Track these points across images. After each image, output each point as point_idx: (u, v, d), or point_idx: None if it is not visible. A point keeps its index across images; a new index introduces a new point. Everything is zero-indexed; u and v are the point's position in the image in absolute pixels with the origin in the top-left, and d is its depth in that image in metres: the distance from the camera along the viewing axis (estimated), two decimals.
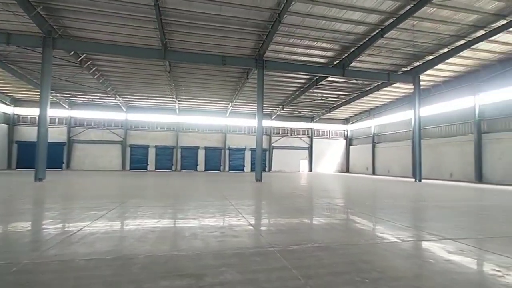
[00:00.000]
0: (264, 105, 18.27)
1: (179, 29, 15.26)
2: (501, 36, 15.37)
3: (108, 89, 24.79)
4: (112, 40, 16.26)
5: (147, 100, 29.63)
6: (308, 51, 17.85)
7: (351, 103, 29.24)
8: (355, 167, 36.77)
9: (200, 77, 22.41)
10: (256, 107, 18.71)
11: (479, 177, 20.12)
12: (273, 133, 35.96)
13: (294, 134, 36.83)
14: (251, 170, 33.01)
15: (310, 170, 36.73)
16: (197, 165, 33.11)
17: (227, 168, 33.91)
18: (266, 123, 34.19)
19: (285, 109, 31.53)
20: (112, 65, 20.47)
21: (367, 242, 4.19)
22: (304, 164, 36.98)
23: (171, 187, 12.75)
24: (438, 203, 8.84)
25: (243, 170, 34.37)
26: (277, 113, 33.48)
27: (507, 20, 13.93)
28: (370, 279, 2.77)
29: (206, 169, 33.12)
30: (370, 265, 3.16)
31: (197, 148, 33.28)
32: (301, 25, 14.86)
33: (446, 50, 17.39)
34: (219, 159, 33.89)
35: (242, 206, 7.17)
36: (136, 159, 31.99)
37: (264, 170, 34.40)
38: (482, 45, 16.34)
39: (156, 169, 32.08)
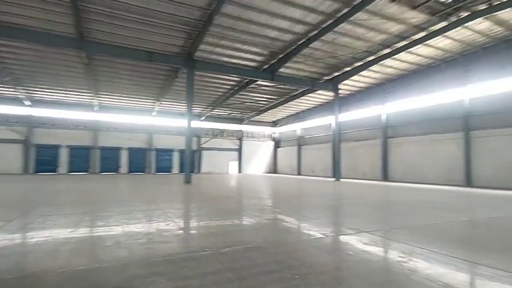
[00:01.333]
0: (193, 106, 17.83)
1: (99, 18, 13.79)
2: (402, 55, 18.10)
3: (6, 79, 20.93)
4: (16, 22, 13.80)
5: (59, 95, 25.97)
6: (239, 54, 18.10)
7: (279, 107, 30.72)
8: (282, 168, 38.69)
9: (124, 72, 20.67)
10: (185, 107, 18.12)
11: (385, 176, 23.25)
12: (203, 134, 35.41)
13: (224, 135, 36.90)
14: (180, 172, 31.87)
15: (240, 172, 37.29)
16: (119, 167, 30.42)
17: (153, 170, 32.04)
18: (196, 123, 33.45)
19: (215, 110, 31.35)
20: (14, 51, 17.36)
21: (295, 240, 4.40)
22: (233, 166, 37.33)
23: (89, 191, 11.39)
24: (354, 200, 9.86)
25: (171, 172, 32.95)
26: (207, 114, 33.09)
27: (407, 41, 16.45)
28: (300, 275, 2.89)
29: (130, 171, 30.68)
30: (300, 261, 3.31)
31: (119, 148, 30.59)
32: (233, 27, 14.98)
33: (360, 63, 19.65)
34: (144, 160, 31.78)
35: (171, 210, 6.81)
36: (43, 160, 27.68)
37: (193, 172, 33.56)
38: (388, 61, 18.97)
39: (69, 171, 28.32)
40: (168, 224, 5.24)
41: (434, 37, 15.42)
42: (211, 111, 31.35)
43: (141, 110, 31.21)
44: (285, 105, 29.89)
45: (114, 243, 3.94)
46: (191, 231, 4.97)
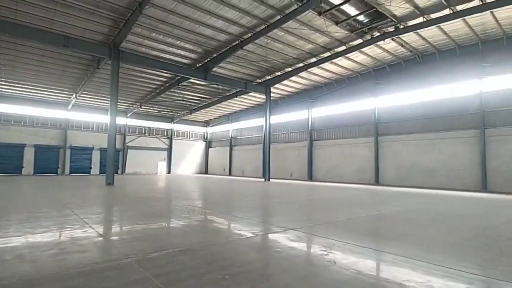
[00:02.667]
0: (119, 101, 16.40)
1: None
2: (327, 65, 19.79)
3: None
4: None
5: None
6: (171, 49, 17.36)
7: (212, 107, 30.48)
8: (213, 168, 38.43)
9: (32, 57, 17.83)
10: (108, 102, 16.56)
11: (310, 177, 25.05)
12: (129, 132, 32.89)
13: (152, 134, 34.91)
14: (101, 173, 28.96)
15: (169, 172, 35.75)
16: (23, 167, 26.12)
17: (68, 171, 28.38)
18: (121, 120, 30.90)
19: (143, 107, 29.43)
20: None
21: (226, 240, 4.40)
22: (162, 166, 35.60)
23: None
24: (282, 200, 10.36)
25: (89, 172, 29.68)
26: (134, 111, 30.85)
27: (331, 52, 18.05)
28: (230, 275, 2.90)
29: (36, 172, 26.57)
30: (230, 261, 3.33)
31: (23, 146, 26.25)
32: (165, 21, 14.30)
33: (290, 69, 20.80)
34: (56, 160, 27.92)
35: (89, 215, 6.13)
36: None
37: (117, 173, 30.88)
38: (314, 69, 20.52)
39: None
40: (85, 231, 4.70)
41: (353, 51, 17.27)
42: (139, 107, 29.30)
43: (54, 103, 27.40)
44: (218, 105, 29.80)
45: (15, 257, 3.36)
46: (113, 237, 4.55)
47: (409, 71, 19.32)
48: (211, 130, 39.83)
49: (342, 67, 20.48)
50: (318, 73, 21.67)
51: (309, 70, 20.11)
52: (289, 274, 2.99)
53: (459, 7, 12.85)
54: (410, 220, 6.28)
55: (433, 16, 13.73)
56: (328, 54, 18.21)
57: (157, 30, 15.12)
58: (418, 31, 14.94)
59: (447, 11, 13.22)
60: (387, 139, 20.18)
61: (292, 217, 6.60)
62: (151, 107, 30.46)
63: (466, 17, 13.37)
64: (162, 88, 24.05)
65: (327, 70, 21.08)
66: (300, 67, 20.09)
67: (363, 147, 21.65)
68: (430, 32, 15.54)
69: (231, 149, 35.74)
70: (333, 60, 18.69)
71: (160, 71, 19.99)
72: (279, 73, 21.80)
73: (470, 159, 16.46)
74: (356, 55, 18.52)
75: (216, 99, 28.12)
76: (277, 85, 23.46)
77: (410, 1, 12.92)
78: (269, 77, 22.62)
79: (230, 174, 35.18)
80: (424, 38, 16.19)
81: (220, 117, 36.93)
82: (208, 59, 18.87)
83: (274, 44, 17.15)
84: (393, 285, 2.73)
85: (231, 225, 5.66)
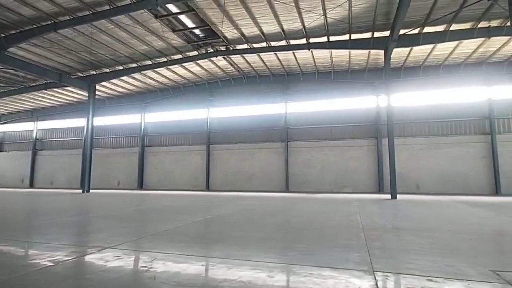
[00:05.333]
0: None
1: None
2: (163, 70, 19.36)
3: None
4: None
5: None
6: None
7: (5, 97, 23.23)
8: (4, 179, 29.17)
9: None
10: None
11: (141, 185, 23.44)
12: None
13: None
14: None
15: None
16: None
17: None
18: None
19: None
20: None
21: (6, 278, 3.26)
22: None
23: None
24: (103, 213, 9.04)
25: None
26: None
27: (167, 58, 17.80)
28: None
29: None
30: None
31: None
32: None
33: (121, 68, 18.92)
34: None
35: None
36: None
37: None
38: (150, 72, 19.60)
39: None
40: None
41: (189, 61, 17.80)
42: None
43: None
44: (15, 96, 23.02)
45: None
46: None
47: (237, 88, 21.90)
48: (2, 128, 30.22)
49: (178, 75, 20.67)
50: (153, 77, 20.88)
51: (143, 72, 19.04)
52: None
53: (273, 43, 15.81)
54: (233, 222, 6.90)
55: (255, 45, 16.22)
56: (164, 59, 17.89)
57: None
58: (244, 55, 17.20)
59: (264, 44, 15.95)
60: (218, 148, 21.90)
61: (112, 232, 5.81)
62: None
63: (277, 52, 16.61)
64: None
65: (163, 76, 20.68)
66: (133, 67, 18.68)
67: (196, 154, 22.52)
68: (253, 58, 18.26)
69: (34, 154, 28.36)
70: (169, 67, 18.56)
71: None
72: (107, 70, 19.39)
73: (279, 166, 20.34)
74: (192, 66, 19.17)
75: (13, 88, 21.66)
76: (105, 83, 20.77)
77: (238, 29, 14.70)
78: (94, 73, 19.71)
79: (31, 186, 27.77)
80: (248, 62, 18.81)
81: (18, 112, 28.68)
82: (3, 35, 14.32)
83: (101, 36, 15.13)
84: None
85: (24, 255, 4.31)
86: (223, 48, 16.69)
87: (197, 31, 15.23)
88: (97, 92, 21.78)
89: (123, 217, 8.02)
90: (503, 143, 16.73)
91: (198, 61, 18.24)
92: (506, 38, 13.75)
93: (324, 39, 15.11)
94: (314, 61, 18.43)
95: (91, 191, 20.00)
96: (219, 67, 19.51)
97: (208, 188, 21.58)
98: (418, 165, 17.97)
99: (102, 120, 25.29)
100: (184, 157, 22.90)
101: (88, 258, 3.97)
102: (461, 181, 17.19)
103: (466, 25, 13.41)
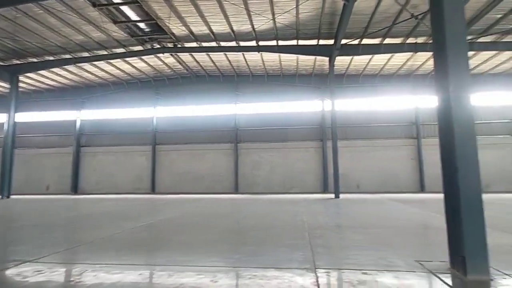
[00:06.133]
0: None
1: None
2: (103, 64, 17.88)
3: None
4: None
5: None
6: None
7: None
8: None
9: None
10: None
11: (75, 189, 21.31)
12: None
13: None
14: None
15: None
16: None
17: None
18: None
19: None
20: None
21: None
22: None
23: None
24: (25, 223, 7.98)
25: None
26: None
27: (108, 52, 16.48)
28: None
29: None
30: None
31: None
32: None
33: (52, 58, 17.01)
34: None
35: None
36: None
37: None
38: (87, 65, 17.94)
39: None
40: None
41: (132, 56, 16.72)
42: None
43: None
44: None
45: None
46: None
47: (185, 87, 21.23)
48: None
49: (121, 70, 19.31)
50: (91, 71, 19.20)
51: (79, 65, 17.39)
52: None
53: (223, 43, 15.66)
54: (178, 226, 6.60)
55: (205, 44, 15.89)
56: (104, 52, 16.55)
57: None
58: (192, 53, 16.75)
59: (214, 43, 15.71)
60: (165, 148, 20.95)
61: (36, 243, 5.11)
62: None
63: (227, 53, 16.51)
64: None
65: (103, 70, 19.13)
66: (66, 59, 16.95)
67: (141, 155, 21.25)
68: (202, 57, 17.88)
69: None
70: (110, 60, 17.22)
71: None
72: (34, 60, 17.29)
73: (228, 167, 20.19)
74: (136, 61, 18.06)
75: None
76: (31, 75, 18.47)
77: (186, 26, 14.25)
78: (19, 62, 17.43)
79: None
80: (197, 61, 18.36)
81: None
82: None
83: (27, 22, 13.43)
84: None
85: None
86: (170, 45, 16.02)
87: (142, 25, 14.37)
88: (22, 85, 19.26)
89: (52, 226, 7.14)
90: (426, 146, 18.90)
91: (143, 57, 17.23)
92: (429, 53, 15.60)
93: (274, 42, 15.45)
94: (264, 64, 18.73)
95: (12, 196, 17.52)
96: (166, 64, 18.70)
97: (153, 191, 20.51)
98: (358, 166, 19.38)
99: (29, 116, 22.45)
100: (127, 158, 21.44)
101: (1, 274, 3.40)
102: (394, 180, 18.99)
103: (398, 40, 14.89)
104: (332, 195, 15.07)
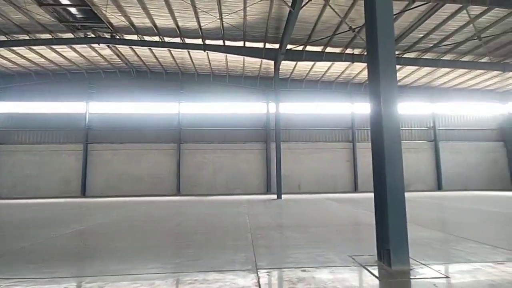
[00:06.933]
0: None
1: None
2: (23, 50, 15.67)
3: None
4: None
5: None
6: None
7: None
8: None
9: None
10: None
11: None
12: None
13: None
14: None
15: None
16: None
17: None
18: None
19: None
20: None
21: None
22: None
23: None
24: None
25: None
26: None
27: (30, 37, 14.51)
28: None
29: None
30: None
31: None
32: None
33: None
34: None
35: None
36: None
37: None
38: (4, 51, 15.57)
39: None
40: None
41: (60, 44, 15.03)
42: None
43: None
44: None
45: None
46: None
47: (124, 82, 19.79)
48: None
49: (46, 58, 17.18)
50: (9, 57, 16.71)
51: None
52: None
53: (167, 39, 14.98)
54: (112, 232, 6.08)
55: (147, 38, 15.01)
56: (26, 37, 14.55)
57: None
58: (133, 47, 15.69)
59: (157, 38, 14.96)
60: (98, 147, 19.24)
61: None
62: None
63: (171, 49, 15.84)
64: None
65: (24, 57, 16.81)
66: None
67: (69, 155, 19.18)
68: (143, 52, 16.85)
69: None
70: (33, 47, 15.21)
71: None
72: None
73: (169, 168, 19.37)
74: (65, 50, 16.25)
75: None
76: None
77: (126, 16, 13.29)
78: None
79: None
80: (138, 55, 17.26)
81: None
82: None
83: None
84: None
85: None
86: (107, 36, 14.74)
87: (73, 10, 12.96)
88: None
89: None
90: (360, 149, 20.64)
91: (75, 46, 15.53)
92: (364, 64, 17.04)
93: (220, 42, 15.30)
94: (210, 63, 18.43)
95: None
96: (102, 56, 17.15)
97: (84, 194, 18.61)
98: (300, 167, 20.26)
99: None
100: (53, 157, 19.10)
101: None
102: (332, 181, 20.31)
103: (337, 50, 15.98)
104: (275, 196, 15.49)
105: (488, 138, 21.39)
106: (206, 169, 19.74)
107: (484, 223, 6.63)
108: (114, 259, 3.94)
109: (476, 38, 13.35)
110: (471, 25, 12.66)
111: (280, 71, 16.86)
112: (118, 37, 14.83)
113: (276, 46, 15.41)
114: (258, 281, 3.02)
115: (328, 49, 15.75)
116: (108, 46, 15.79)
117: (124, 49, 16.54)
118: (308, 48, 15.49)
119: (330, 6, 11.63)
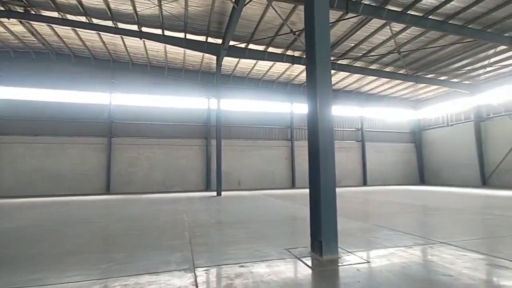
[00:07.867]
0: None
1: None
2: None
3: None
4: None
5: None
6: None
7: None
8: None
9: None
10: None
11: None
12: None
13: None
14: None
15: None
16: None
17: None
18: None
19: None
20: None
21: None
22: None
23: None
24: None
25: None
26: None
27: None
28: None
29: None
30: None
31: None
32: None
33: None
34: None
35: None
36: None
37: None
38: None
39: None
40: None
41: None
42: None
43: None
44: None
45: None
46: None
47: (40, 65, 17.33)
48: None
49: None
50: None
51: None
52: None
53: (95, 20, 13.53)
54: (24, 238, 5.28)
55: (70, 17, 13.32)
56: None
57: None
58: (52, 25, 13.79)
59: (83, 18, 13.39)
60: (6, 140, 16.54)
61: None
62: None
63: (101, 33, 14.39)
64: None
65: None
66: None
67: None
68: (66, 32, 14.93)
69: None
70: None
71: None
72: None
73: (98, 164, 17.68)
74: None
75: None
76: None
77: None
78: None
79: None
80: (59, 36, 15.23)
81: None
82: None
83: None
84: None
85: None
86: (20, 10, 12.66)
87: None
88: None
89: None
90: (297, 147, 21.70)
91: None
92: (303, 66, 17.88)
93: (159, 31, 14.40)
94: (147, 53, 17.24)
95: None
96: (12, 32, 14.65)
97: None
98: (240, 164, 20.38)
99: None
100: None
101: None
102: (271, 177, 20.93)
103: (279, 50, 16.45)
104: (215, 193, 15.33)
105: (403, 140, 24.55)
106: (140, 165, 18.54)
107: (398, 213, 7.57)
108: (28, 267, 3.43)
109: (396, 51, 15.12)
110: (393, 40, 14.28)
111: (222, 67, 16.68)
112: (33, 12, 12.88)
113: (219, 41, 15.20)
114: (196, 280, 2.94)
115: (270, 49, 16.14)
116: (21, 22, 13.64)
117: (41, 28, 14.46)
118: (251, 46, 15.64)
119: (272, 7, 11.89)
